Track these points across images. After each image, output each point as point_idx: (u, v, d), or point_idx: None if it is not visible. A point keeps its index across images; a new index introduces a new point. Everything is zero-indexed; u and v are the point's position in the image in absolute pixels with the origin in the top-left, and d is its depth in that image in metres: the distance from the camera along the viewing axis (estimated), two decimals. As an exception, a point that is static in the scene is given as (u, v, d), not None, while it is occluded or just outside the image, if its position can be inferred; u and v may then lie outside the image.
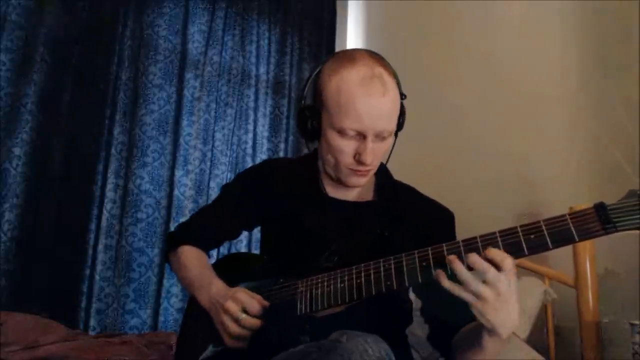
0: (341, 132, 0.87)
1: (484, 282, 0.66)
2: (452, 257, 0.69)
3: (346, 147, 0.88)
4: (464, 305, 0.78)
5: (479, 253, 0.68)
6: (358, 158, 0.88)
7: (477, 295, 0.67)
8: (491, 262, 0.66)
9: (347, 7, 3.09)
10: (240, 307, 0.84)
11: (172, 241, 1.08)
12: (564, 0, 1.75)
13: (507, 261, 0.66)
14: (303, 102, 0.93)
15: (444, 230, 0.85)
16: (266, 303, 0.86)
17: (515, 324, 0.69)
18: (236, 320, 0.84)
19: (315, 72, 0.94)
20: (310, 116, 0.91)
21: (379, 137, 0.88)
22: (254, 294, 0.87)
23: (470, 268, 0.68)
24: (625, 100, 1.49)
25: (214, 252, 2.32)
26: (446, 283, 0.69)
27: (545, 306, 1.51)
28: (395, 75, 0.91)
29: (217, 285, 0.92)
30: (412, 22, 2.55)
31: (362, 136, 0.86)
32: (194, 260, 1.02)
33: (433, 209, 1.00)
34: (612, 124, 1.53)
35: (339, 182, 0.95)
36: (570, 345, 1.48)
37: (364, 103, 0.84)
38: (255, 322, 0.84)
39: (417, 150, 2.13)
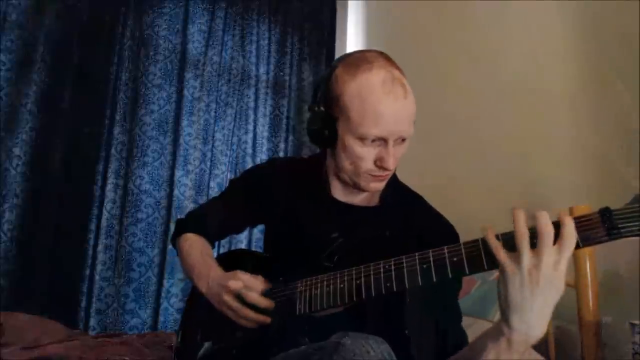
0: (362, 139, 0.84)
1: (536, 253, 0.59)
2: (518, 210, 0.63)
3: (367, 153, 0.86)
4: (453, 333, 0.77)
5: (480, 257, 0.66)
6: (380, 164, 0.86)
7: (520, 264, 0.60)
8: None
9: (347, 7, 3.09)
10: (242, 284, 0.86)
11: (179, 228, 1.11)
12: (565, 1, 1.75)
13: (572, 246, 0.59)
14: (316, 108, 0.90)
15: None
16: (269, 284, 0.87)
17: (536, 335, 0.62)
18: (240, 298, 0.85)
19: (326, 76, 0.91)
20: (325, 124, 0.88)
21: (399, 140, 0.86)
22: (255, 275, 0.88)
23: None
24: (625, 101, 1.49)
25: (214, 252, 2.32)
26: (493, 238, 0.63)
27: (545, 306, 1.51)
28: None
29: (217, 272, 0.94)
30: (412, 23, 2.55)
31: (383, 141, 0.85)
32: (198, 247, 1.04)
33: (438, 222, 0.97)
34: (612, 125, 1.53)
35: (357, 187, 0.93)
36: (570, 345, 1.48)
37: (388, 108, 0.82)
38: (259, 299, 0.85)
39: (417, 150, 2.12)
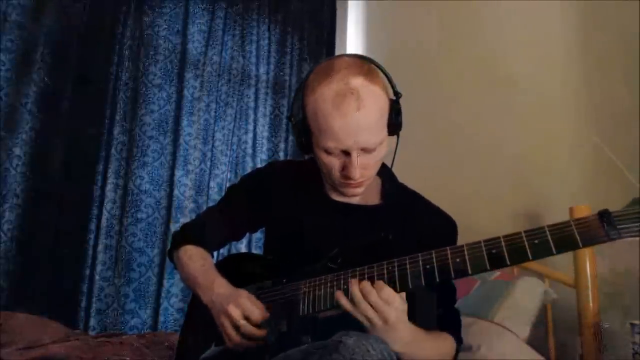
0: (327, 151, 0.86)
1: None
2: (353, 281, 0.77)
3: (334, 163, 0.88)
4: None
5: (483, 258, 0.70)
6: (345, 173, 0.87)
7: (367, 319, 0.74)
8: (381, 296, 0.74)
9: (347, 7, 3.09)
10: (241, 312, 0.85)
11: (176, 241, 1.09)
12: (566, 1, 1.75)
13: (396, 304, 0.74)
14: (293, 120, 0.92)
15: (445, 239, 0.85)
16: (267, 314, 0.86)
17: (406, 341, 0.77)
18: (236, 327, 0.85)
19: (300, 86, 0.92)
20: (301, 132, 0.90)
21: (365, 150, 0.86)
22: (257, 301, 0.88)
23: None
24: (625, 101, 1.49)
25: (215, 254, 2.32)
26: (343, 301, 0.77)
27: (545, 306, 1.51)
28: (381, 78, 0.88)
29: (221, 285, 0.93)
30: (412, 22, 2.55)
31: (346, 153, 0.85)
32: (198, 259, 1.02)
33: (437, 217, 1.00)
34: (612, 125, 1.54)
35: (340, 191, 0.95)
36: (570, 345, 1.48)
37: (338, 123, 0.82)
38: (254, 331, 0.85)
39: (418, 151, 2.13)
